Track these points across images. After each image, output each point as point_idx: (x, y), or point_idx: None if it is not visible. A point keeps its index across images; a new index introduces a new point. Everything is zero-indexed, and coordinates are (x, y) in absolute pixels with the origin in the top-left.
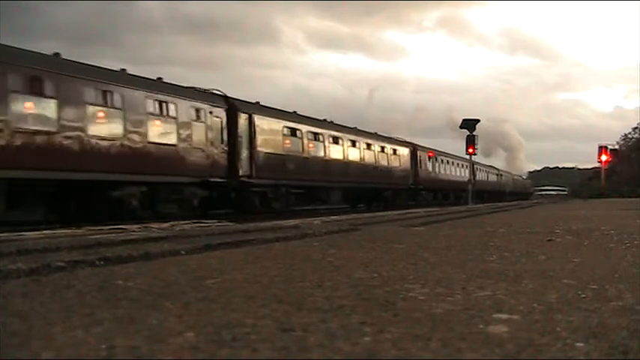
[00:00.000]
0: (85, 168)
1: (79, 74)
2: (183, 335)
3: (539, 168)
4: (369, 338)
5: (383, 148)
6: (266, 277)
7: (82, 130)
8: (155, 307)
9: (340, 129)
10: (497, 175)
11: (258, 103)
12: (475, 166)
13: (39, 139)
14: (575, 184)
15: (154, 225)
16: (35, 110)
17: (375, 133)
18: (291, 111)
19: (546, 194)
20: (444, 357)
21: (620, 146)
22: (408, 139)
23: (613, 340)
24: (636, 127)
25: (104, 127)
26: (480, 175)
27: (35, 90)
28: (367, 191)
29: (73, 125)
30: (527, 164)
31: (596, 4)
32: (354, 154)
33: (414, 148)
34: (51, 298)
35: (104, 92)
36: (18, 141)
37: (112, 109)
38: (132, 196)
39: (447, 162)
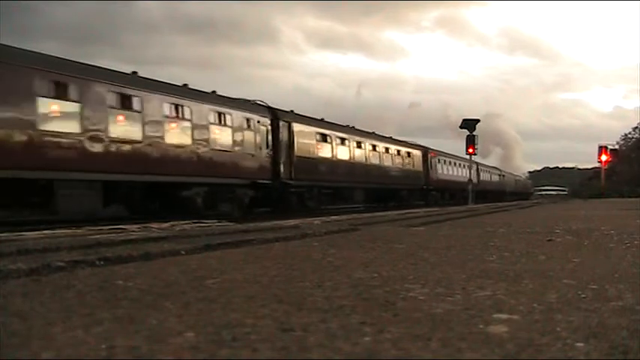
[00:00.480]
0: (164, 172)
1: (159, 91)
2: (183, 335)
3: (539, 168)
4: (369, 338)
5: (399, 151)
6: (266, 277)
7: (162, 139)
8: (155, 307)
9: (362, 134)
10: (499, 175)
11: (292, 111)
12: (479, 167)
13: (128, 147)
14: (575, 184)
15: (154, 225)
16: (126, 124)
17: (391, 137)
18: (319, 118)
19: (546, 194)
20: (444, 357)
21: (620, 146)
22: (420, 143)
23: (613, 340)
24: (636, 127)
25: (177, 136)
26: (484, 176)
27: (126, 106)
28: (385, 191)
29: (155, 135)
30: (527, 164)
31: (595, 4)
32: (374, 158)
33: (425, 151)
34: (51, 298)
35: (176, 106)
36: (113, 148)
37: (183, 121)
38: (197, 195)
39: (454, 164)
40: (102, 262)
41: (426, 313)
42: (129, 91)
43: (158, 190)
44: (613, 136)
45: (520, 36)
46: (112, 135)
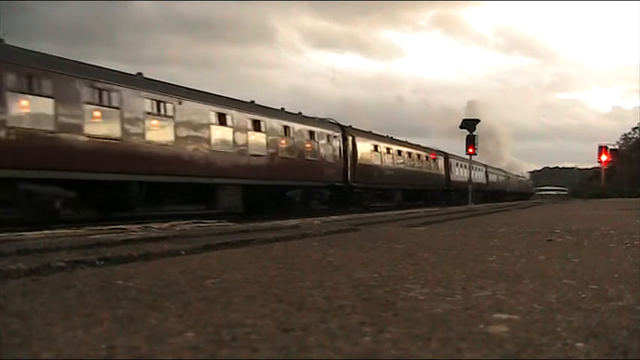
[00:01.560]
0: (276, 177)
1: (279, 117)
2: (183, 335)
3: (539, 168)
4: (369, 338)
5: (427, 157)
6: (266, 277)
7: (276, 153)
8: (155, 307)
9: (400, 143)
10: (505, 177)
11: (350, 126)
12: (488, 169)
13: (259, 160)
14: (575, 184)
15: (154, 225)
16: (259, 142)
17: (419, 145)
18: (367, 130)
19: (546, 194)
20: (444, 357)
21: (620, 146)
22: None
23: (613, 340)
24: (636, 127)
25: (287, 150)
26: (492, 177)
27: (257, 128)
28: (416, 192)
29: (273, 150)
30: (526, 163)
31: (592, 3)
32: (410, 163)
33: (446, 157)
34: (51, 298)
35: (285, 127)
36: (252, 161)
37: (289, 138)
38: (297, 195)
39: (467, 167)
40: (102, 262)
41: (426, 313)
42: (257, 117)
43: (273, 191)
44: (611, 136)
45: (516, 35)
46: (251, 152)
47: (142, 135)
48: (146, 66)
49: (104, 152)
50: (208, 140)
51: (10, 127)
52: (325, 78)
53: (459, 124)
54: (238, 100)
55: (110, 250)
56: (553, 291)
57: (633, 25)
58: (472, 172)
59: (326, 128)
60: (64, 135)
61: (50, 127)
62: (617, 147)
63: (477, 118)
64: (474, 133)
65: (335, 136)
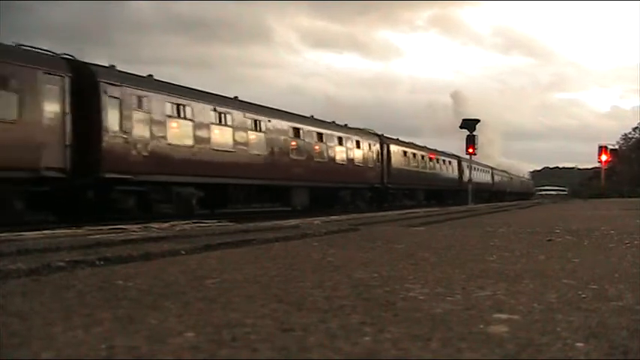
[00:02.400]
0: (333, 180)
1: (340, 131)
2: (183, 335)
3: (539, 168)
4: (369, 338)
5: (444, 160)
6: (266, 277)
7: (333, 159)
8: (155, 307)
9: (422, 149)
10: (509, 178)
11: (383, 135)
12: (494, 171)
13: (316, 164)
14: (575, 184)
15: (154, 225)
16: (322, 152)
17: (435, 150)
18: (396, 137)
19: (546, 194)
20: (444, 357)
21: (620, 146)
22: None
23: (613, 340)
24: (636, 127)
25: (341, 157)
26: (497, 178)
27: (321, 140)
28: (435, 192)
29: (330, 156)
30: (526, 163)
31: (590, 3)
32: (431, 167)
33: (459, 160)
34: (51, 298)
35: (340, 138)
36: (318, 167)
37: (342, 147)
38: (347, 195)
39: (478, 169)
40: (102, 262)
41: (426, 313)
42: (320, 130)
43: (330, 191)
44: (611, 136)
45: (514, 35)
46: (315, 159)
47: (247, 147)
48: (144, 66)
49: (223, 161)
50: (287, 151)
51: (169, 143)
52: (323, 78)
53: (446, 121)
54: (306, 117)
55: (110, 250)
56: (553, 291)
57: (632, 25)
58: (479, 172)
59: (368, 138)
60: (198, 148)
61: (190, 143)
62: (617, 147)
63: (477, 118)
64: (474, 133)
65: (374, 144)
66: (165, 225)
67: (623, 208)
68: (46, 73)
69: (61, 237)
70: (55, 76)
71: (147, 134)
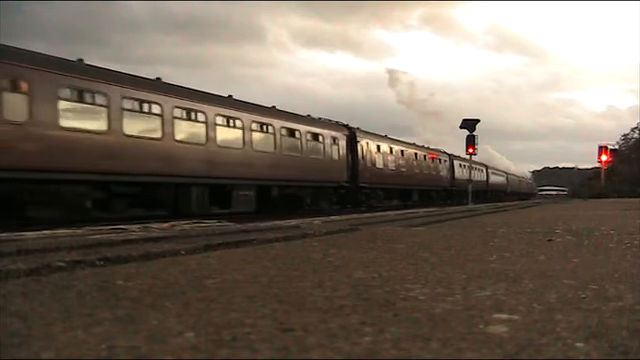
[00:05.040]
0: (387, 182)
1: (378, 138)
2: (183, 335)
3: (539, 168)
4: (369, 338)
5: (466, 165)
6: (266, 277)
7: (377, 163)
8: (155, 307)
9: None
10: (519, 180)
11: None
12: (508, 175)
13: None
14: (575, 184)
15: (154, 225)
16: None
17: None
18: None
19: (546, 194)
20: (444, 357)
21: (620, 146)
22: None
23: (613, 340)
24: (636, 127)
25: (390, 161)
26: (510, 180)
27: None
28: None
29: (375, 161)
30: (526, 164)
31: (579, 3)
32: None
33: (486, 167)
34: (51, 298)
35: (381, 146)
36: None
37: (392, 156)
38: (395, 194)
39: (495, 173)
40: (102, 262)
41: (426, 313)
42: (333, 133)
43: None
44: (608, 136)
45: (506, 34)
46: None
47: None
48: (137, 66)
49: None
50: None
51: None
52: (318, 77)
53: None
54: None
55: (110, 250)
56: (553, 291)
57: (625, 25)
58: (499, 177)
59: (332, 130)
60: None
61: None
62: (617, 147)
63: (477, 118)
64: (474, 133)
65: (341, 138)
66: (165, 225)
67: (623, 208)
68: (343, 134)
69: (61, 237)
70: (344, 135)
71: (380, 162)
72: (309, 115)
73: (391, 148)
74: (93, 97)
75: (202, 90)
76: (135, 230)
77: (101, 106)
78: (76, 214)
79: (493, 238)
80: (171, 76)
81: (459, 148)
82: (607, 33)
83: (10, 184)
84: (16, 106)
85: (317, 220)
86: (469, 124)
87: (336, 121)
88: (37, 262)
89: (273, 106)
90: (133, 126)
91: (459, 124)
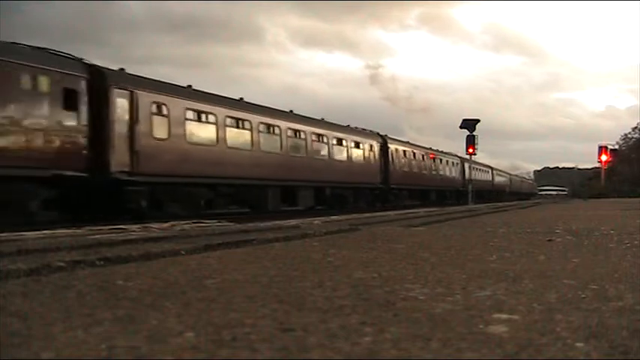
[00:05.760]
0: (430, 184)
1: (417, 147)
2: (183, 335)
3: (539, 168)
4: (369, 338)
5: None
6: (266, 277)
7: (404, 167)
8: (155, 307)
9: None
10: (521, 180)
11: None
12: (512, 177)
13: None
14: (575, 184)
15: (154, 225)
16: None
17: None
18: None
19: (546, 194)
20: (444, 357)
21: (620, 146)
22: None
23: (613, 340)
24: (636, 127)
25: (414, 165)
26: (515, 181)
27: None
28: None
29: (421, 167)
30: (530, 164)
31: (576, 3)
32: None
33: (492, 169)
34: (51, 298)
35: (407, 151)
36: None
37: (415, 160)
38: (430, 194)
39: (501, 175)
40: (102, 262)
41: (426, 313)
42: (366, 140)
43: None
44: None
45: (504, 33)
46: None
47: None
48: (136, 65)
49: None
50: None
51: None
52: (316, 77)
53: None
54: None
55: (110, 250)
56: (553, 291)
57: (623, 25)
58: (503, 179)
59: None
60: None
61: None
62: (617, 147)
63: (477, 118)
64: (474, 133)
65: (376, 145)
66: (165, 225)
67: (623, 208)
68: (377, 141)
69: (61, 237)
70: (378, 142)
71: (406, 166)
72: (348, 126)
73: (414, 153)
74: (207, 117)
75: (277, 108)
76: (135, 230)
77: (211, 123)
78: (194, 210)
79: (493, 238)
80: (171, 75)
81: (447, 146)
82: (605, 33)
83: (154, 186)
84: (161, 126)
85: (317, 220)
86: (469, 124)
87: (370, 130)
88: (37, 262)
89: (322, 119)
90: (233, 139)
91: (459, 124)
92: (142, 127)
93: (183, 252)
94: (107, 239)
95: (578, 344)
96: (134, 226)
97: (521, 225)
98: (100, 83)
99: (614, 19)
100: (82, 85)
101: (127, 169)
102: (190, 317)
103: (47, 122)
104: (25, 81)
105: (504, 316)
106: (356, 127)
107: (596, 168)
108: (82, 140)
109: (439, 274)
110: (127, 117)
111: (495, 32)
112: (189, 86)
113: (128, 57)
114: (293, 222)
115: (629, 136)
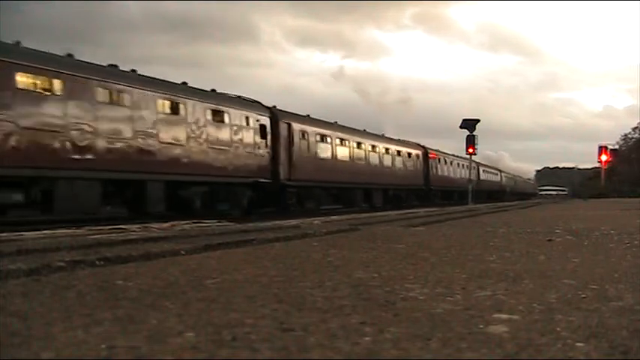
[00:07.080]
0: (451, 185)
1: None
2: (183, 335)
3: (539, 168)
4: (369, 338)
5: (495, 172)
6: (266, 277)
7: (439, 171)
8: (155, 307)
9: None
10: (523, 181)
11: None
12: (516, 178)
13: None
14: (575, 184)
15: (154, 225)
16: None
17: (478, 162)
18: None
19: (547, 194)
20: (444, 357)
21: (620, 146)
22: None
23: (613, 340)
24: (636, 127)
25: (446, 169)
26: (518, 182)
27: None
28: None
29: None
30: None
31: (573, 3)
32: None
33: (500, 171)
34: (51, 298)
35: (441, 158)
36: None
37: (446, 165)
38: (454, 194)
39: (506, 176)
40: (102, 262)
41: (426, 313)
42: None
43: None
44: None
45: (500, 32)
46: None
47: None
48: (135, 65)
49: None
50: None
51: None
52: (313, 77)
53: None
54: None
55: (110, 250)
56: (553, 291)
57: (621, 25)
58: (509, 180)
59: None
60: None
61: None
62: (617, 147)
63: (477, 118)
64: (474, 133)
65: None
66: (166, 225)
67: (623, 208)
68: (420, 151)
69: (61, 237)
70: (420, 152)
71: (441, 170)
72: (399, 139)
73: (446, 159)
74: (326, 139)
75: (351, 126)
76: (135, 230)
77: (329, 144)
78: (237, 208)
79: (493, 238)
80: (169, 75)
81: (446, 146)
82: (601, 33)
83: (299, 189)
84: (303, 147)
85: (317, 220)
86: (469, 124)
87: (415, 143)
88: (37, 262)
89: (364, 129)
90: (340, 154)
91: (459, 124)
92: (295, 148)
93: (183, 252)
94: (107, 239)
95: (578, 344)
96: (134, 226)
97: (521, 225)
98: (273, 119)
99: (611, 19)
100: (268, 122)
101: (287, 177)
102: (190, 317)
103: (252, 147)
104: (242, 121)
105: (504, 316)
106: (404, 140)
107: (596, 168)
108: (268, 158)
109: (439, 274)
110: (287, 142)
111: (491, 31)
112: (308, 115)
113: (126, 57)
114: (293, 222)
115: (629, 136)
